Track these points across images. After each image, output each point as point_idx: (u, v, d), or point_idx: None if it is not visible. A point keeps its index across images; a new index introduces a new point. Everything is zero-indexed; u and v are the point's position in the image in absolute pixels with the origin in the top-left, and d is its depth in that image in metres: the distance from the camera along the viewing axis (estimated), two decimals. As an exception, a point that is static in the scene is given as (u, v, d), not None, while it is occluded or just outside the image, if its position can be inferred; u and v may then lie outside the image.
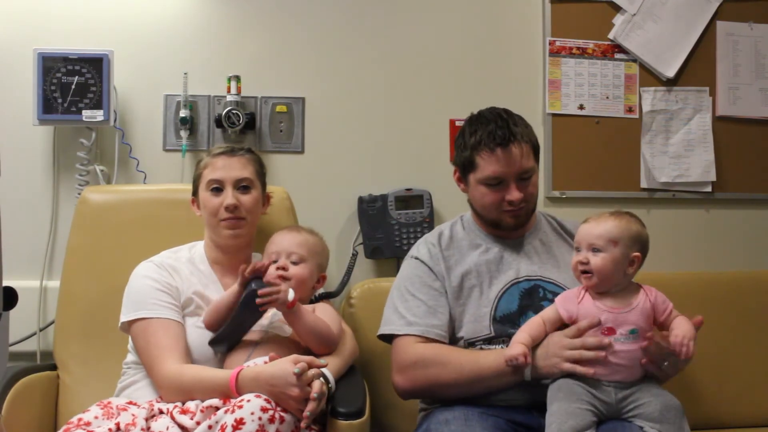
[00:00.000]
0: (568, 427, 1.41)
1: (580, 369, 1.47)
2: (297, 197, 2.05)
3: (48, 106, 2.04)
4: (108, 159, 2.16)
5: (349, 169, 2.25)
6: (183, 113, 2.14)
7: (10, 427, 1.57)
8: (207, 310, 1.62)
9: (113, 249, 1.89)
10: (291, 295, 1.52)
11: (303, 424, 1.38)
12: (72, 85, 2.05)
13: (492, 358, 1.57)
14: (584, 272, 1.53)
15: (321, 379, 1.43)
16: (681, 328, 1.48)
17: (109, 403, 1.57)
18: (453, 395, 1.63)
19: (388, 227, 2.19)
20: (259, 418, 1.31)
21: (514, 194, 1.67)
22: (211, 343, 1.59)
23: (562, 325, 1.56)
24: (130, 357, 1.70)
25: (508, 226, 1.73)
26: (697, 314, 1.54)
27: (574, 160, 2.31)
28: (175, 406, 1.46)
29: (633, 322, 1.49)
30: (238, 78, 2.15)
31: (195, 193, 1.78)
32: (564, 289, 1.65)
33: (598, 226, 1.53)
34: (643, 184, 2.34)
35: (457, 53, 2.29)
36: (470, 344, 1.66)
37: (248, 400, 1.34)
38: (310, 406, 1.37)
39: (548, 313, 1.57)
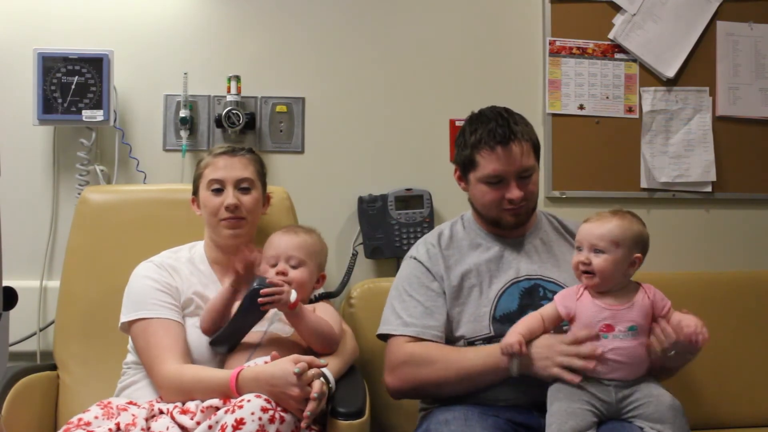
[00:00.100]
0: (569, 428, 1.41)
1: (567, 375, 1.47)
2: (297, 197, 2.05)
3: (48, 106, 2.04)
4: (108, 159, 2.16)
5: (349, 169, 2.25)
6: (183, 113, 2.14)
7: (10, 427, 1.57)
8: (202, 315, 1.62)
9: (113, 249, 1.89)
10: (293, 295, 1.52)
11: (303, 424, 1.37)
12: (72, 85, 2.05)
13: (478, 356, 1.59)
14: (586, 272, 1.53)
15: (321, 379, 1.43)
16: (690, 319, 1.48)
17: (109, 403, 1.57)
18: (443, 394, 1.65)
19: (388, 227, 2.19)
20: (260, 418, 1.31)
21: (515, 192, 1.67)
22: (212, 343, 1.58)
23: (560, 322, 1.56)
24: (130, 357, 1.70)
25: (508, 224, 1.73)
26: (696, 314, 1.53)
27: (574, 160, 2.31)
28: (175, 407, 1.46)
29: (631, 319, 1.49)
30: (238, 78, 2.15)
31: (195, 192, 1.78)
32: (564, 288, 1.65)
33: (600, 227, 1.53)
34: (643, 184, 2.34)
35: (457, 53, 2.29)
36: (470, 343, 1.66)
37: (248, 400, 1.34)
38: (310, 406, 1.37)
39: (547, 310, 1.57)
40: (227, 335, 1.56)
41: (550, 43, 2.31)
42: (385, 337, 1.72)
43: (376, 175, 2.24)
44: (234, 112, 2.12)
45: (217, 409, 1.38)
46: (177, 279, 1.68)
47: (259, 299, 1.49)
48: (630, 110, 2.34)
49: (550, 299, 1.62)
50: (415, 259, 1.77)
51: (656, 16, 2.34)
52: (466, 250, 1.76)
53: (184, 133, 2.16)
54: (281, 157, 2.23)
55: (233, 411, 1.32)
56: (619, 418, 1.47)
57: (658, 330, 1.50)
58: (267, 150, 2.21)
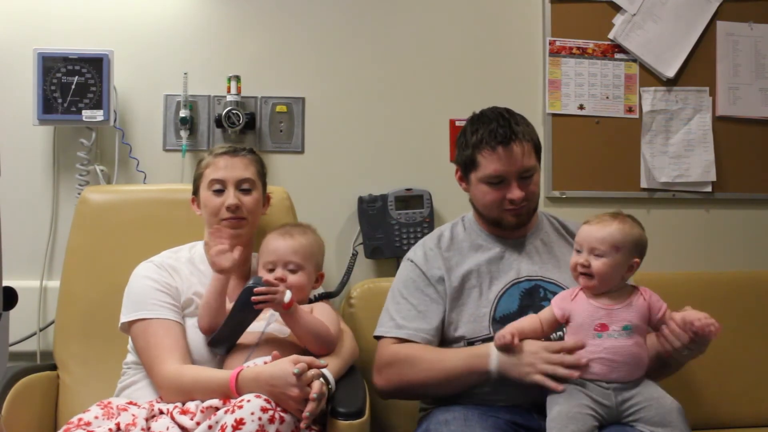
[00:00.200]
0: None
1: (551, 383, 1.47)
2: (297, 197, 2.05)
3: (48, 106, 2.04)
4: (108, 159, 2.16)
5: (349, 169, 2.25)
6: (183, 113, 2.14)
7: (10, 427, 1.57)
8: (199, 313, 1.62)
9: (113, 249, 1.89)
10: (288, 296, 1.52)
11: (302, 425, 1.37)
12: (72, 85, 2.05)
13: (459, 357, 1.61)
14: (584, 274, 1.53)
15: (321, 379, 1.43)
16: (696, 313, 1.49)
17: (109, 403, 1.57)
18: (429, 394, 1.69)
19: (388, 227, 2.19)
20: (259, 419, 1.31)
21: (516, 193, 1.67)
22: (210, 344, 1.58)
23: (557, 325, 1.57)
24: (130, 357, 1.70)
25: (509, 224, 1.73)
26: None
27: (574, 160, 2.31)
28: (175, 407, 1.46)
29: (626, 318, 1.49)
30: (238, 78, 2.15)
31: (195, 192, 1.78)
32: (564, 289, 1.65)
33: (601, 230, 1.52)
34: (643, 184, 2.34)
35: (457, 53, 2.29)
36: (470, 344, 1.66)
37: (248, 401, 1.34)
38: (310, 406, 1.37)
39: (545, 313, 1.57)
40: (224, 335, 1.56)
41: (550, 43, 2.31)
42: (380, 339, 1.74)
43: (376, 175, 2.24)
44: (234, 112, 2.12)
45: (217, 409, 1.38)
46: (177, 279, 1.68)
47: (253, 298, 1.49)
48: (630, 110, 2.34)
49: (551, 300, 1.62)
50: (411, 261, 1.77)
51: (656, 16, 2.34)
52: (466, 252, 1.76)
53: (184, 133, 2.16)
54: (281, 157, 2.23)
55: (233, 411, 1.32)
56: (620, 422, 1.47)
57: (667, 331, 1.50)
58: (267, 150, 2.21)
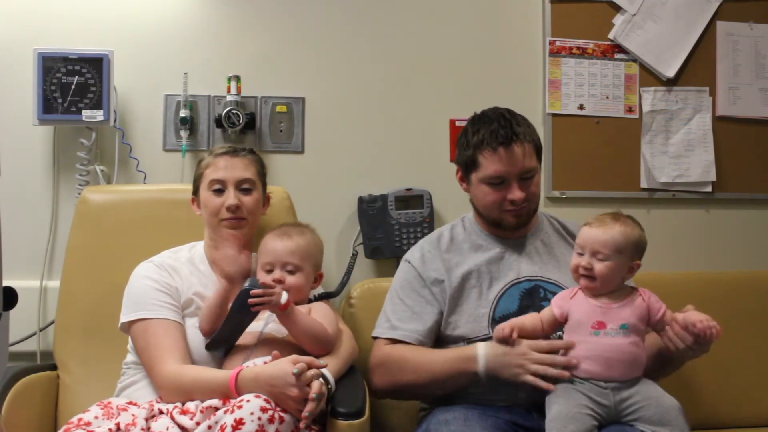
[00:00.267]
0: None
1: (542, 384, 1.49)
2: (297, 197, 2.05)
3: (48, 106, 2.04)
4: (108, 159, 2.16)
5: (349, 169, 2.25)
6: (183, 113, 2.14)
7: (10, 427, 1.57)
8: (201, 315, 1.62)
9: (113, 249, 1.89)
10: (284, 297, 1.51)
11: (302, 425, 1.37)
12: (72, 85, 2.05)
13: (446, 359, 1.62)
14: (586, 276, 1.53)
15: (320, 379, 1.43)
16: (698, 315, 1.49)
17: (109, 403, 1.57)
18: (419, 395, 1.72)
19: (388, 227, 2.19)
20: (259, 419, 1.31)
21: (516, 194, 1.67)
22: (208, 346, 1.58)
23: (557, 325, 1.57)
24: (130, 357, 1.70)
25: (509, 225, 1.73)
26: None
27: (574, 160, 2.31)
28: (175, 407, 1.46)
29: (624, 317, 1.50)
30: (238, 78, 2.15)
31: (195, 192, 1.78)
32: (564, 289, 1.66)
33: (604, 233, 1.52)
34: (643, 184, 2.34)
35: (457, 53, 2.29)
36: (470, 343, 1.66)
37: (248, 401, 1.34)
38: (309, 406, 1.37)
39: (546, 313, 1.58)
40: (222, 337, 1.56)
41: (550, 43, 2.31)
42: (376, 339, 1.76)
43: (376, 175, 2.24)
44: (234, 112, 2.12)
45: (217, 409, 1.38)
46: (177, 279, 1.68)
47: (250, 300, 1.49)
48: (630, 110, 2.34)
49: (551, 300, 1.63)
50: (409, 263, 1.78)
51: (656, 16, 2.34)
52: (466, 252, 1.76)
53: (184, 133, 2.16)
54: (281, 157, 2.23)
55: (233, 411, 1.32)
56: (619, 421, 1.47)
57: (671, 333, 1.50)
58: (267, 150, 2.21)
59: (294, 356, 1.42)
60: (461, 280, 1.71)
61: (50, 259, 2.14)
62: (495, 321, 1.65)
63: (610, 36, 2.33)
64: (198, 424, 1.38)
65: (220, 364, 1.59)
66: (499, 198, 1.69)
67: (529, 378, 1.50)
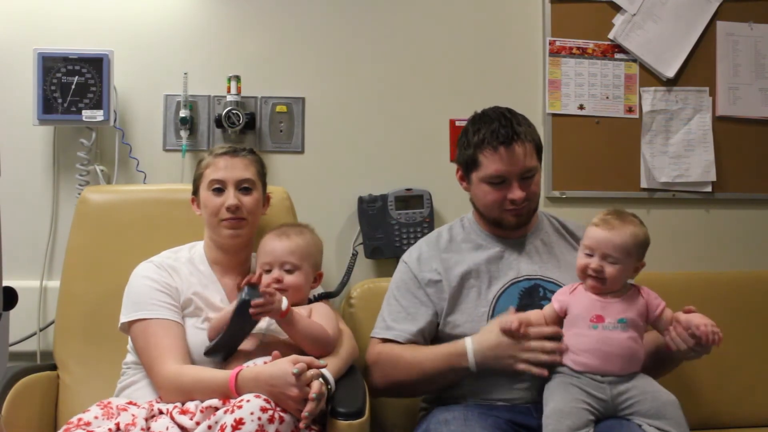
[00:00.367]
0: (565, 427, 1.42)
1: (535, 370, 1.51)
2: (297, 197, 2.05)
3: (48, 106, 2.04)
4: (108, 159, 2.16)
5: (349, 169, 2.25)
6: (183, 113, 2.14)
7: (10, 427, 1.57)
8: (209, 333, 1.61)
9: (113, 249, 1.89)
10: (284, 304, 1.51)
11: (302, 425, 1.37)
12: (72, 85, 2.05)
13: (436, 357, 1.64)
14: (593, 277, 1.53)
15: (320, 379, 1.43)
16: (702, 318, 1.49)
17: (109, 403, 1.57)
18: (413, 393, 1.74)
19: (388, 227, 2.19)
20: (259, 418, 1.31)
21: (517, 193, 1.67)
22: (207, 352, 1.57)
23: (559, 320, 1.58)
24: (130, 357, 1.70)
25: (510, 225, 1.73)
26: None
27: (574, 160, 2.31)
28: (175, 407, 1.46)
29: (622, 312, 1.51)
30: (238, 78, 2.15)
31: (195, 192, 1.78)
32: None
33: (616, 236, 1.53)
34: (643, 184, 2.34)
35: (457, 53, 2.29)
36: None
37: (248, 401, 1.34)
38: (309, 406, 1.37)
39: (548, 309, 1.60)
40: (222, 344, 1.55)
41: (550, 43, 2.31)
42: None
43: (376, 175, 2.24)
44: (234, 112, 2.12)
45: (217, 409, 1.38)
46: (177, 279, 1.68)
47: (251, 310, 1.48)
48: (630, 110, 2.34)
49: (551, 299, 1.63)
50: (405, 263, 1.79)
51: (656, 16, 2.34)
52: (466, 252, 1.76)
53: (184, 133, 2.16)
54: (281, 157, 2.23)
55: (232, 411, 1.32)
56: (616, 415, 1.48)
57: (674, 334, 1.50)
58: (267, 150, 2.21)
59: (294, 356, 1.42)
60: (460, 279, 1.71)
61: (50, 259, 2.14)
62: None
63: (610, 36, 2.33)
64: (198, 424, 1.38)
65: (220, 365, 1.59)
66: (499, 197, 1.69)
67: (522, 366, 1.53)
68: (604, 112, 2.33)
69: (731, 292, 2.15)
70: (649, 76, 2.35)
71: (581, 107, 2.33)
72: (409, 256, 1.80)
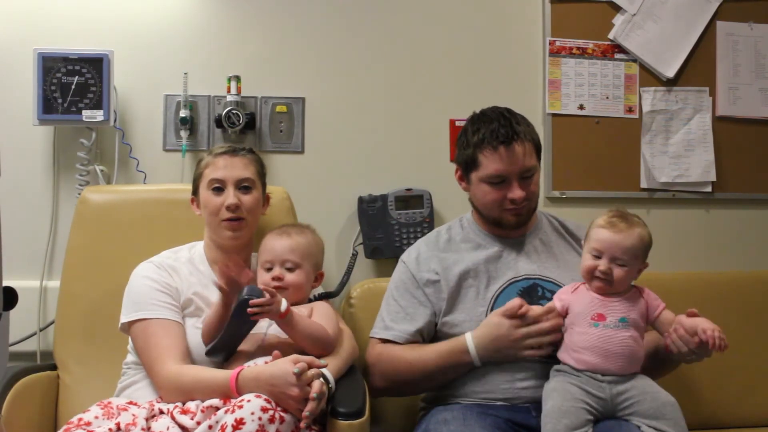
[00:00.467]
0: (563, 426, 1.42)
1: (539, 353, 1.55)
2: (297, 197, 2.05)
3: (48, 106, 2.04)
4: (108, 159, 2.16)
5: (349, 169, 2.25)
6: (183, 113, 2.14)
7: (10, 427, 1.57)
8: (202, 331, 1.61)
9: (113, 249, 1.89)
10: (284, 305, 1.50)
11: (302, 424, 1.37)
12: (72, 85, 2.05)
13: (440, 354, 1.64)
14: (600, 279, 1.54)
15: (321, 379, 1.43)
16: (707, 323, 1.49)
17: (109, 403, 1.57)
18: (414, 392, 1.75)
19: (388, 227, 2.19)
20: (259, 418, 1.31)
21: (517, 192, 1.67)
22: (208, 353, 1.57)
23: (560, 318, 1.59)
24: (130, 357, 1.70)
25: (509, 224, 1.73)
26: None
27: (574, 160, 2.31)
28: (176, 407, 1.46)
29: (623, 311, 1.52)
30: (238, 78, 2.15)
31: (195, 192, 1.78)
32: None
33: (625, 239, 1.53)
34: (643, 184, 2.34)
35: (457, 53, 2.29)
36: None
37: (248, 400, 1.34)
38: (310, 406, 1.37)
39: (548, 307, 1.59)
40: (221, 345, 1.55)
41: (550, 43, 2.31)
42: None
43: (376, 175, 2.24)
44: (234, 112, 2.12)
45: (217, 409, 1.38)
46: (177, 279, 1.68)
47: (249, 309, 1.48)
48: (630, 110, 2.34)
49: (549, 299, 1.64)
50: (404, 263, 1.80)
51: (656, 16, 2.34)
52: (464, 251, 1.76)
53: (184, 133, 2.16)
54: (281, 157, 2.23)
55: (233, 411, 1.32)
56: (614, 415, 1.48)
57: (675, 336, 1.51)
58: (267, 150, 2.21)
59: (294, 356, 1.42)
60: (458, 278, 1.71)
61: (50, 259, 2.14)
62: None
63: (610, 36, 2.33)
64: (198, 423, 1.38)
65: (220, 364, 1.59)
66: (499, 197, 1.70)
67: (527, 352, 1.55)
68: (604, 112, 2.33)
69: (731, 292, 2.15)
70: (649, 76, 2.35)
71: (581, 107, 2.33)
72: (408, 256, 1.80)
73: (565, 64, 2.32)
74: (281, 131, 2.23)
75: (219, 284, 1.54)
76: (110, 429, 1.41)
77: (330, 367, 1.51)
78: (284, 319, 1.52)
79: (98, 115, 2.06)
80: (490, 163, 1.67)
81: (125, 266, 1.72)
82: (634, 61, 2.34)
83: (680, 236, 2.36)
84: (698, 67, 2.36)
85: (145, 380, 1.63)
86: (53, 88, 2.04)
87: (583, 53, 2.33)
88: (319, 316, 1.63)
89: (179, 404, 1.47)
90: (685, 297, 1.80)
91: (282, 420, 1.34)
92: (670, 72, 2.34)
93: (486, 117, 1.72)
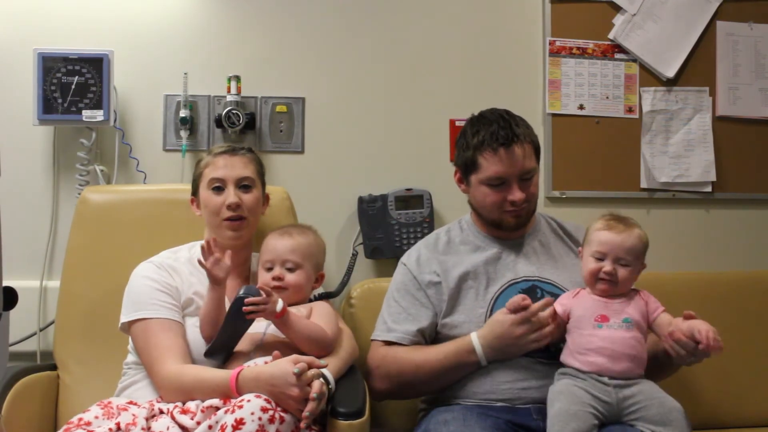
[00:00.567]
0: (570, 430, 1.41)
1: (543, 343, 1.56)
2: (297, 197, 2.05)
3: (48, 106, 2.04)
4: (108, 159, 2.16)
5: (349, 169, 2.25)
6: (183, 113, 2.14)
7: (10, 427, 1.57)
8: (200, 325, 1.61)
9: (113, 249, 1.89)
10: (279, 306, 1.50)
11: (302, 424, 1.37)
12: (72, 85, 2.05)
13: (446, 357, 1.63)
14: (605, 280, 1.55)
15: (321, 379, 1.43)
16: (703, 324, 1.49)
17: (109, 403, 1.57)
18: (418, 394, 1.74)
19: (388, 227, 2.19)
20: (259, 418, 1.31)
21: (517, 194, 1.67)
22: (207, 354, 1.57)
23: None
24: (131, 357, 1.70)
25: (509, 226, 1.73)
26: (698, 315, 1.54)
27: (574, 160, 2.31)
28: (176, 406, 1.46)
29: (626, 312, 1.54)
30: (238, 78, 2.15)
31: (195, 192, 1.78)
32: (562, 290, 1.68)
33: (627, 239, 1.56)
34: (643, 184, 2.34)
35: (457, 53, 2.29)
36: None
37: (248, 400, 1.34)
38: (310, 406, 1.37)
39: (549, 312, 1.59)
40: (219, 345, 1.55)
41: (550, 43, 2.31)
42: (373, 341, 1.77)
43: (376, 175, 2.24)
44: (234, 112, 2.12)
45: (217, 409, 1.38)
46: (177, 279, 1.68)
47: (244, 308, 1.48)
48: (630, 110, 2.34)
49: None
50: (405, 265, 1.79)
51: (656, 16, 2.34)
52: (464, 253, 1.76)
53: (184, 133, 2.16)
54: (281, 157, 2.23)
55: (233, 411, 1.32)
56: (620, 420, 1.48)
57: (673, 338, 1.51)
58: (267, 150, 2.21)
59: (294, 356, 1.42)
60: (458, 280, 1.71)
61: (50, 259, 2.14)
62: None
63: (610, 36, 2.33)
64: (198, 423, 1.38)
65: (219, 365, 1.59)
66: (499, 199, 1.70)
67: (533, 346, 1.56)
68: (604, 112, 2.33)
69: (731, 292, 2.15)
70: (649, 76, 2.35)
71: (581, 107, 2.33)
72: (408, 258, 1.80)
73: (565, 64, 2.32)
74: (281, 131, 2.23)
75: (199, 260, 1.57)
76: (110, 429, 1.41)
77: (330, 368, 1.51)
78: (280, 319, 1.52)
79: (98, 115, 2.06)
80: (489, 165, 1.67)
81: (125, 266, 1.72)
82: (634, 61, 2.34)
83: (680, 236, 2.36)
84: (698, 67, 2.36)
85: (146, 380, 1.63)
86: (53, 88, 2.04)
87: (583, 53, 2.33)
88: (318, 316, 1.63)
89: (179, 404, 1.47)
90: (685, 297, 1.80)
91: (282, 420, 1.34)
92: (670, 72, 2.34)
93: (485, 119, 1.72)
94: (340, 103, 2.26)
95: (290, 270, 1.65)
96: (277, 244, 1.67)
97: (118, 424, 1.42)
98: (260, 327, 1.59)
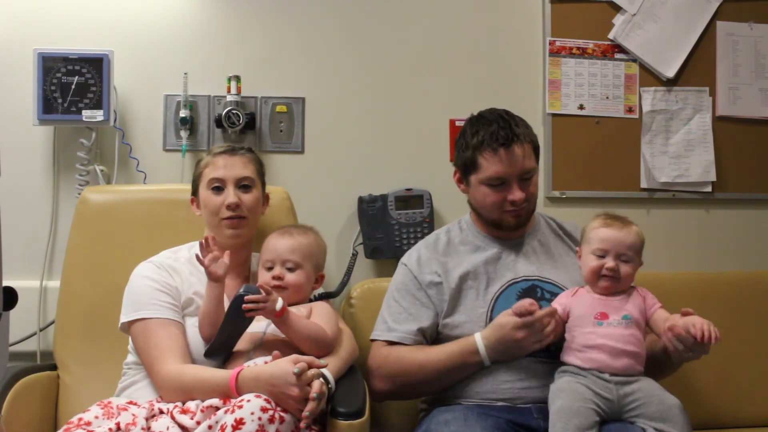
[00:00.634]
0: (573, 426, 1.42)
1: (545, 343, 1.56)
2: (297, 197, 2.05)
3: (48, 106, 2.04)
4: (108, 159, 2.16)
5: (349, 169, 2.25)
6: (183, 113, 2.14)
7: (10, 427, 1.57)
8: (199, 323, 1.61)
9: (113, 249, 1.89)
10: (279, 304, 1.50)
11: (302, 424, 1.37)
12: (72, 85, 2.05)
13: (449, 357, 1.63)
14: (608, 277, 1.55)
15: (321, 379, 1.43)
16: (698, 319, 1.50)
17: (109, 402, 1.57)
18: (420, 394, 1.74)
19: (388, 227, 2.19)
20: (259, 418, 1.31)
21: (517, 194, 1.68)
22: (207, 354, 1.57)
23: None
24: (131, 357, 1.70)
25: (509, 226, 1.73)
26: (697, 314, 1.54)
27: (574, 160, 2.31)
28: (176, 406, 1.46)
29: (626, 309, 1.55)
30: (238, 78, 2.15)
31: (195, 192, 1.78)
32: (562, 289, 1.68)
33: (627, 236, 1.58)
34: (643, 184, 2.34)
35: (457, 53, 2.29)
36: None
37: (248, 400, 1.34)
38: (310, 406, 1.37)
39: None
40: (219, 344, 1.55)
41: (550, 43, 2.31)
42: (373, 342, 1.76)
43: (376, 175, 2.24)
44: (234, 112, 2.12)
45: (217, 409, 1.38)
46: (177, 279, 1.68)
47: (244, 306, 1.48)
48: (630, 110, 2.34)
49: (548, 300, 1.65)
50: (405, 265, 1.79)
51: (656, 16, 2.34)
52: (464, 254, 1.76)
53: (184, 133, 2.16)
54: (281, 157, 2.23)
55: (233, 411, 1.32)
56: (621, 417, 1.48)
57: (671, 334, 1.51)
58: (267, 150, 2.21)
59: (294, 356, 1.42)
60: (459, 281, 1.71)
61: (50, 259, 2.14)
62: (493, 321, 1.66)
63: (610, 36, 2.33)
64: (198, 423, 1.38)
65: (219, 366, 1.59)
66: (499, 199, 1.70)
67: (535, 347, 1.56)
68: (604, 112, 2.33)
69: (731, 292, 2.15)
70: (649, 76, 2.35)
71: (581, 107, 2.33)
72: (409, 258, 1.80)
73: (565, 64, 2.32)
74: (281, 131, 2.23)
75: (197, 255, 1.57)
76: (110, 429, 1.41)
77: (330, 367, 1.51)
78: (280, 319, 1.52)
79: (98, 115, 2.06)
80: (489, 166, 1.68)
81: (125, 266, 1.72)
82: (634, 61, 2.34)
83: (680, 236, 2.36)
84: (698, 67, 2.36)
85: (146, 380, 1.63)
86: (53, 88, 2.04)
87: (583, 53, 2.33)
88: (318, 316, 1.63)
89: (179, 404, 1.47)
90: (685, 297, 1.80)
91: (282, 420, 1.34)
92: (670, 72, 2.34)
93: (485, 119, 1.73)
94: (340, 103, 2.26)
95: (290, 270, 1.66)
96: (278, 244, 1.67)
97: (118, 424, 1.42)
98: (260, 326, 1.59)
